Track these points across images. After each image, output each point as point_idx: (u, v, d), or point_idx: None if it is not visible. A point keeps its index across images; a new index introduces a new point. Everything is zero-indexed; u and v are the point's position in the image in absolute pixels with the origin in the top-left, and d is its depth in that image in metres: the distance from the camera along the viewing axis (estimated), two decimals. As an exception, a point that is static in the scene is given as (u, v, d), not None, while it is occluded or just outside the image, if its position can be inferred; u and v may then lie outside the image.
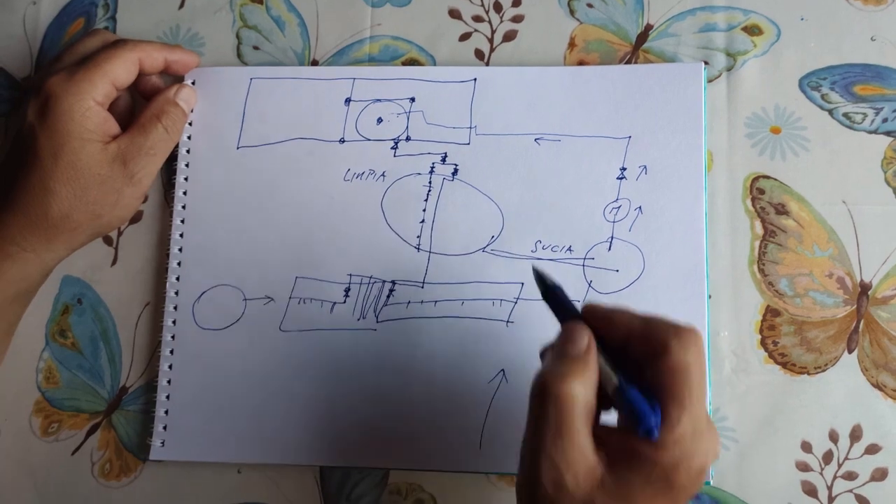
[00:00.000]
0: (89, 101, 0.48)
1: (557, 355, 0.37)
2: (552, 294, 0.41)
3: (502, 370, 0.49)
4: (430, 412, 0.49)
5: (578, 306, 0.40)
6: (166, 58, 0.52)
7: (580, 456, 0.35)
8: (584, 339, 0.37)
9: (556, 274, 0.49)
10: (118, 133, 0.50)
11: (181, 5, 0.57)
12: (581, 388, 0.35)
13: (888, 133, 0.50)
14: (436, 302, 0.50)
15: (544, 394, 0.36)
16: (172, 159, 0.53)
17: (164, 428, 0.50)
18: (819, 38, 0.51)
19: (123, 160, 0.49)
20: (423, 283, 0.50)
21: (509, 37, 0.54)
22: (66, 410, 0.52)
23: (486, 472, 0.49)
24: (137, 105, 0.54)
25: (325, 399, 0.50)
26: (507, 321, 0.49)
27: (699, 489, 0.37)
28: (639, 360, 0.36)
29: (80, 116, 0.48)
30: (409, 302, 0.50)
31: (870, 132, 0.50)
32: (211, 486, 0.50)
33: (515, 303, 0.49)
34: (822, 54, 0.51)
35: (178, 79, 0.54)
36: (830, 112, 0.51)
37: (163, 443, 0.50)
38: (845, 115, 0.50)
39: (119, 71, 0.49)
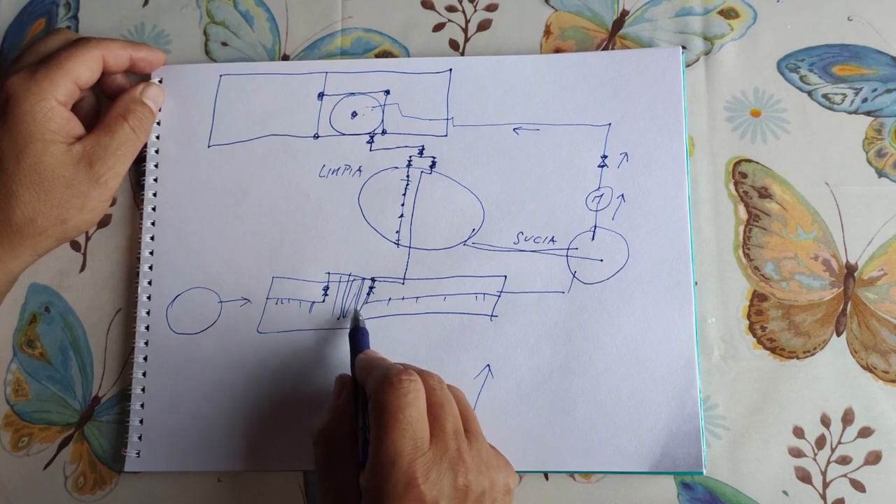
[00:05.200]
0: (51, 101, 0.47)
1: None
2: (354, 335, 0.46)
3: (488, 365, 0.48)
4: (415, 411, 0.48)
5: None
6: (131, 55, 0.51)
7: (335, 492, 0.41)
8: (341, 390, 0.44)
9: (540, 265, 0.48)
10: (83, 134, 0.49)
11: (145, 2, 0.55)
12: (329, 435, 0.42)
13: (868, 113, 0.50)
14: (417, 298, 0.49)
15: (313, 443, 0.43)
16: (141, 160, 0.52)
17: (140, 438, 0.49)
18: (796, 20, 0.51)
19: (89, 161, 0.48)
20: (404, 279, 0.49)
21: (483, 26, 0.53)
22: (37, 423, 0.50)
23: (475, 471, 0.47)
24: (103, 106, 0.52)
25: (306, 402, 0.48)
26: (491, 315, 0.48)
27: None
28: None
29: (42, 117, 0.46)
30: (390, 299, 0.49)
31: (850, 112, 0.50)
32: (190, 496, 0.49)
33: (499, 296, 0.48)
34: (800, 36, 0.51)
35: (145, 78, 0.53)
36: (810, 93, 0.50)
37: (138, 453, 0.48)
38: (825, 96, 0.50)
39: (82, 69, 0.48)
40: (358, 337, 0.46)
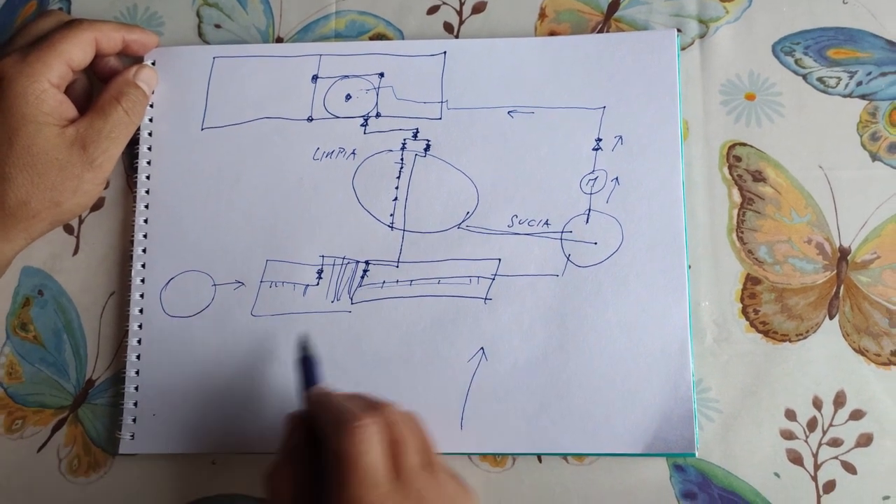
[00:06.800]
0: (44, 83, 0.47)
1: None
2: (304, 364, 0.44)
3: (482, 348, 0.48)
4: (408, 394, 0.48)
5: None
6: (124, 37, 0.50)
7: None
8: (291, 430, 0.42)
9: (534, 248, 0.48)
10: (76, 117, 0.48)
11: (138, -16, 0.55)
12: (281, 477, 0.40)
13: (863, 96, 0.50)
14: (411, 281, 0.49)
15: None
16: (134, 143, 0.52)
17: (134, 420, 0.49)
18: (791, 3, 0.51)
19: (83, 144, 0.47)
20: (398, 262, 0.49)
21: (478, 9, 0.53)
22: (30, 406, 0.50)
23: (468, 453, 0.47)
24: (95, 89, 0.52)
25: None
26: (485, 298, 0.48)
27: None
28: None
29: (34, 99, 0.46)
30: (384, 282, 0.49)
31: (844, 96, 0.50)
32: (185, 478, 0.49)
33: (493, 279, 0.48)
34: (795, 19, 0.51)
35: (138, 60, 0.53)
36: (805, 77, 0.50)
37: (132, 436, 0.49)
38: (819, 79, 0.50)
39: (75, 51, 0.48)
40: (308, 368, 0.44)
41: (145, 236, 0.51)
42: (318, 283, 0.49)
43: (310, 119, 0.51)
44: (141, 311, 0.50)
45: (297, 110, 0.51)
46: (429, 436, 0.41)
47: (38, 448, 0.50)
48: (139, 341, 0.49)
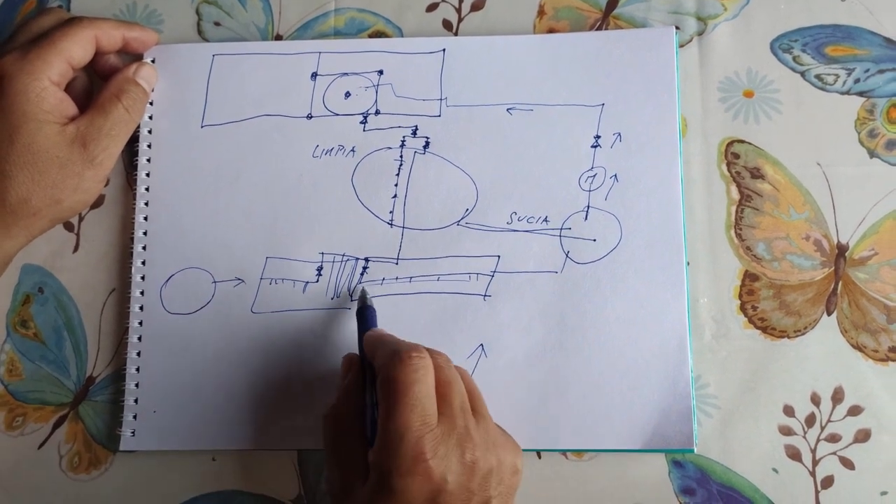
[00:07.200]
0: (45, 81, 0.47)
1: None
2: (362, 314, 0.46)
3: (481, 345, 0.48)
4: (408, 390, 0.48)
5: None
6: (124, 35, 0.50)
7: (341, 469, 0.41)
8: (347, 370, 0.44)
9: (533, 245, 0.49)
10: (76, 114, 0.48)
11: (138, -18, 0.55)
12: (336, 413, 0.42)
13: (860, 93, 0.50)
14: (411, 278, 0.49)
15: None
16: (134, 140, 0.52)
17: (134, 417, 0.49)
18: (789, 0, 0.51)
19: (83, 142, 0.47)
20: (398, 259, 0.49)
21: (477, 6, 0.53)
22: (31, 403, 0.51)
23: (468, 449, 0.48)
24: (95, 86, 0.52)
25: (301, 381, 0.48)
26: (485, 295, 0.48)
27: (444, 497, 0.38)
28: None
29: (35, 97, 0.46)
30: (384, 279, 0.49)
31: (842, 93, 0.50)
32: (185, 475, 0.49)
33: (492, 276, 0.49)
34: (793, 16, 0.51)
35: (137, 58, 0.53)
36: (802, 74, 0.50)
37: (133, 432, 0.49)
38: (817, 76, 0.50)
39: (75, 49, 0.48)
40: (366, 315, 0.46)
41: (145, 233, 0.51)
42: (317, 280, 0.50)
43: (309, 116, 0.51)
44: (141, 308, 0.50)
45: (296, 108, 0.52)
46: (477, 389, 0.44)
47: (38, 445, 0.50)
48: (139, 338, 0.50)
